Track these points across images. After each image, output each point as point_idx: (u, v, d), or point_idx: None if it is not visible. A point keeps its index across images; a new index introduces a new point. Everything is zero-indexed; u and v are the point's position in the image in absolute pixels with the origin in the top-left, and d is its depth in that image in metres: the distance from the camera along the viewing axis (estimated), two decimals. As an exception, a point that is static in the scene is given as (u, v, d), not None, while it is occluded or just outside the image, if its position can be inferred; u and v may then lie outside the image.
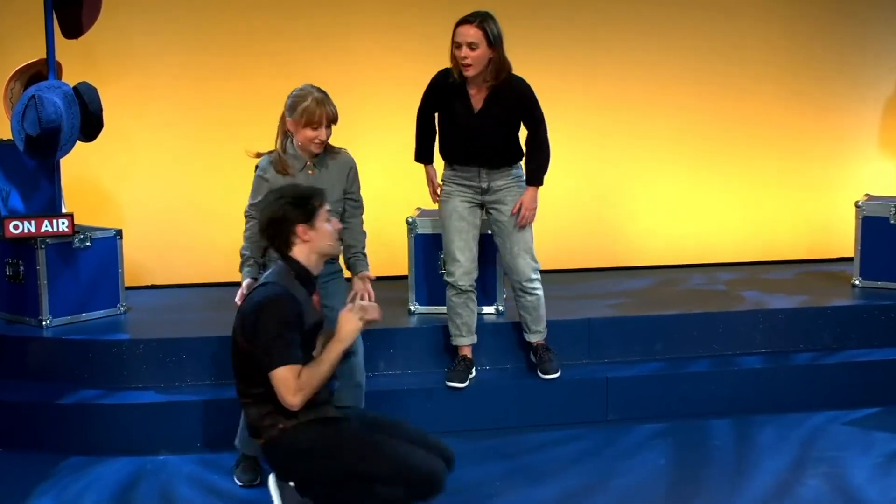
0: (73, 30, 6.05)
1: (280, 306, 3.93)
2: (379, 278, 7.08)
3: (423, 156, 5.66)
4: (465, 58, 5.15)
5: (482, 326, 5.84)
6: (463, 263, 5.52)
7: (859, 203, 6.74)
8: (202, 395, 5.43)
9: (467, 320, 5.62)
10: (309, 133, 4.78)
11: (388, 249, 6.68)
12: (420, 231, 6.12)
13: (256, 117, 6.83)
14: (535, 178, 5.47)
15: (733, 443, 5.42)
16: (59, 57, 6.06)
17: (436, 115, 5.53)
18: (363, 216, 5.12)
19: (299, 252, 4.10)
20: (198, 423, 5.34)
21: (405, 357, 5.84)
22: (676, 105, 7.65)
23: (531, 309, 5.62)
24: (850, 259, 6.93)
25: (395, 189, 6.93)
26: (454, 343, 5.67)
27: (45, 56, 6.01)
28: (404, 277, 6.28)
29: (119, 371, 5.54)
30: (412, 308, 6.17)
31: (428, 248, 6.11)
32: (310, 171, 4.87)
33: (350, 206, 5.03)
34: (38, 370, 5.68)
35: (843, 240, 7.43)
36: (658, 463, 5.16)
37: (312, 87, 4.83)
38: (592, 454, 5.27)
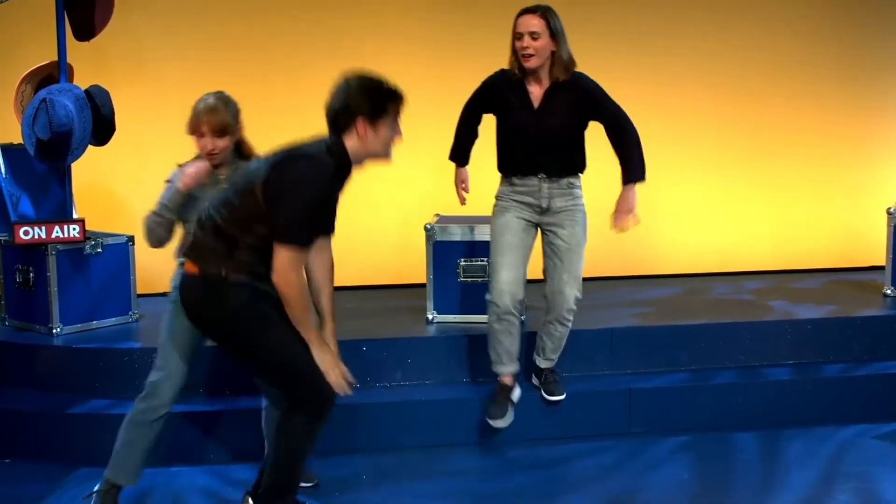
0: (85, 32, 6.02)
1: (318, 186, 3.89)
2: (396, 286, 7.08)
3: (459, 155, 5.46)
4: (527, 48, 4.94)
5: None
6: (508, 280, 5.14)
7: (891, 210, 6.65)
8: (215, 406, 5.35)
9: (509, 348, 5.27)
10: (196, 142, 4.52)
11: (405, 256, 6.60)
12: (439, 238, 6.01)
13: (271, 123, 6.74)
14: (637, 172, 5.15)
15: (759, 457, 5.31)
16: (70, 59, 6.02)
17: (483, 116, 5.35)
18: None
19: (351, 142, 3.99)
20: (211, 434, 5.26)
21: (423, 367, 5.73)
22: (703, 110, 7.61)
23: (557, 339, 5.34)
24: (881, 268, 6.85)
25: (412, 195, 6.85)
26: (493, 370, 5.36)
27: (56, 59, 5.97)
28: (422, 285, 6.18)
29: (130, 380, 5.42)
30: (430, 317, 6.06)
31: (447, 255, 6.00)
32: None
33: None
34: (47, 379, 5.61)
35: (873, 248, 7.34)
36: (682, 477, 5.05)
37: (216, 93, 4.56)
38: (615, 467, 5.17)
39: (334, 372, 4.01)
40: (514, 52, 5.03)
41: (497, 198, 5.27)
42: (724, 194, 7.70)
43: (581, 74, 5.10)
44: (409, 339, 5.75)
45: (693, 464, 5.21)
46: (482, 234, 5.89)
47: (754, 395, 5.77)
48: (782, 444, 5.45)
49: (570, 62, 5.04)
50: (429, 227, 6.04)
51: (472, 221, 6.03)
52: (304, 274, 4.04)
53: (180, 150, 7.07)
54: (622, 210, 5.14)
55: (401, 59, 7.12)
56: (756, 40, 7.63)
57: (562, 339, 5.34)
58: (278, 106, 6.88)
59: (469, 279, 5.97)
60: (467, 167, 5.48)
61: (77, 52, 6.09)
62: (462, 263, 5.97)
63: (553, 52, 5.00)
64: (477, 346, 5.60)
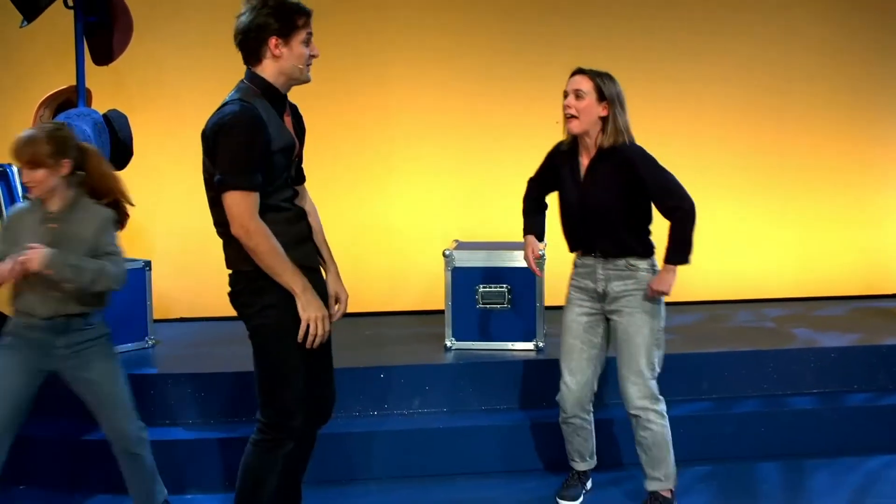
0: (104, 57, 6.03)
1: (240, 125, 3.72)
2: (415, 312, 7.03)
3: (527, 228, 4.99)
4: (569, 107, 4.53)
5: (518, 365, 5.69)
6: (571, 386, 4.78)
7: (916, 236, 6.56)
8: (232, 433, 5.30)
9: (579, 448, 4.97)
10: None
11: (423, 283, 6.55)
12: (457, 264, 5.95)
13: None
14: (678, 255, 4.60)
15: (783, 487, 5.25)
16: (89, 84, 6.02)
17: (547, 192, 4.94)
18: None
19: (268, 68, 3.86)
20: (227, 461, 5.19)
21: (441, 394, 5.68)
22: (727, 137, 7.62)
23: (646, 447, 4.72)
24: (907, 295, 6.76)
25: (431, 220, 6.81)
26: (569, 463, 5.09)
27: (74, 83, 5.95)
28: (440, 312, 6.12)
29: (147, 406, 5.40)
30: (448, 344, 6.00)
31: (465, 281, 5.95)
32: (50, 226, 4.23)
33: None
34: (63, 405, 5.52)
35: (898, 275, 7.30)
36: (705, 508, 5.00)
37: (44, 124, 4.32)
38: (637, 496, 5.06)
39: (315, 322, 3.83)
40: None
41: (570, 281, 4.89)
42: (746, 221, 7.66)
43: (630, 144, 4.63)
44: (426, 367, 5.70)
45: (716, 494, 5.15)
46: (501, 260, 5.85)
47: (778, 424, 5.70)
48: (806, 475, 5.38)
49: (622, 131, 4.58)
50: (447, 252, 5.99)
51: (491, 247, 5.99)
52: (262, 223, 3.79)
53: (197, 174, 7.06)
54: (654, 290, 4.63)
55: (424, 87, 7.13)
56: (777, 68, 7.62)
57: (652, 447, 4.71)
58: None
59: (488, 305, 5.92)
60: (533, 236, 4.98)
61: (95, 76, 6.09)
62: (481, 290, 5.91)
63: (603, 118, 4.57)
64: (495, 373, 5.56)
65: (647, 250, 4.71)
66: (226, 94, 7.09)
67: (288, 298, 3.82)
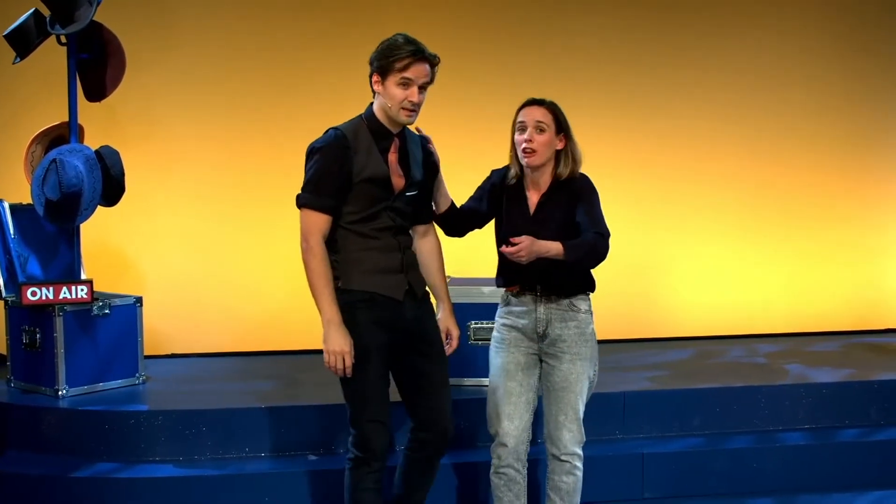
0: (97, 93, 6.02)
1: (323, 150, 4.04)
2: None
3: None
4: (530, 141, 4.31)
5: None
6: (511, 435, 4.47)
7: (906, 272, 6.56)
8: (223, 470, 5.26)
9: None
10: None
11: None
12: (449, 300, 5.92)
13: (281, 182, 6.72)
14: (572, 251, 4.19)
15: (777, 524, 5.22)
16: (81, 120, 6.01)
17: (479, 222, 4.64)
18: None
19: (376, 102, 4.14)
20: (218, 499, 5.15)
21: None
22: (718, 173, 7.63)
23: (565, 493, 4.49)
24: (898, 330, 6.76)
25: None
26: None
27: (67, 119, 5.95)
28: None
29: (137, 443, 5.39)
30: (440, 379, 5.94)
31: (457, 318, 5.89)
32: None
33: None
34: (53, 442, 5.53)
35: (890, 310, 7.30)
36: (698, 545, 4.96)
37: None
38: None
39: (334, 356, 4.01)
40: (514, 146, 4.44)
41: (496, 321, 4.64)
42: (737, 256, 7.67)
43: (580, 175, 4.46)
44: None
45: (708, 531, 5.10)
46: (493, 296, 5.82)
47: (770, 460, 5.68)
48: (799, 511, 5.35)
49: (578, 161, 4.44)
50: (439, 288, 5.96)
51: (481, 283, 5.97)
52: (324, 249, 4.05)
53: (190, 210, 7.12)
54: (514, 243, 4.10)
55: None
56: (769, 103, 7.64)
57: (572, 493, 4.51)
58: (288, 164, 6.85)
59: (480, 342, 5.89)
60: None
61: (88, 112, 6.09)
62: (472, 326, 5.90)
63: (558, 151, 4.41)
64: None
65: (589, 283, 4.53)
66: (218, 129, 7.17)
67: (357, 325, 4.06)
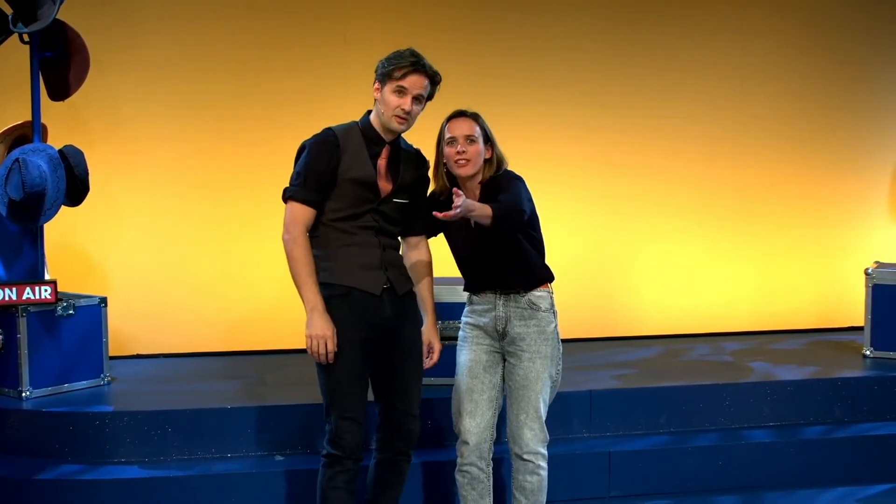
0: (60, 92, 5.98)
1: (312, 146, 4.15)
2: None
3: None
4: (464, 152, 4.36)
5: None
6: (473, 433, 4.52)
7: (869, 270, 6.65)
8: (189, 471, 5.24)
9: None
10: None
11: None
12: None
13: (248, 181, 6.74)
14: (500, 209, 4.20)
15: (742, 521, 5.24)
16: (45, 119, 5.96)
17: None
18: None
19: (374, 107, 4.23)
20: (184, 501, 5.13)
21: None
22: (683, 172, 7.68)
23: (530, 492, 4.51)
24: (861, 328, 6.85)
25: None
26: None
27: (30, 118, 5.90)
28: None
29: (102, 445, 5.36)
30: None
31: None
32: None
33: None
34: (16, 444, 5.49)
35: (853, 308, 7.35)
36: (664, 542, 4.97)
37: None
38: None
39: (316, 340, 4.07)
40: (442, 159, 4.47)
41: (462, 320, 4.72)
42: (703, 255, 7.70)
43: (505, 171, 4.52)
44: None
45: (674, 528, 5.12)
46: (454, 295, 5.80)
47: (735, 457, 5.72)
48: (764, 508, 5.37)
49: (501, 160, 4.50)
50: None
51: (444, 283, 5.94)
52: (306, 239, 4.13)
53: (156, 210, 7.07)
54: (461, 202, 4.01)
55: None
56: (735, 104, 7.69)
57: (536, 493, 4.53)
58: (253, 164, 6.85)
59: (446, 341, 5.87)
60: None
61: (52, 111, 6.05)
62: (438, 325, 5.87)
63: (486, 159, 4.45)
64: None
65: (547, 273, 4.57)
66: (183, 128, 7.13)
67: (333, 319, 4.10)
